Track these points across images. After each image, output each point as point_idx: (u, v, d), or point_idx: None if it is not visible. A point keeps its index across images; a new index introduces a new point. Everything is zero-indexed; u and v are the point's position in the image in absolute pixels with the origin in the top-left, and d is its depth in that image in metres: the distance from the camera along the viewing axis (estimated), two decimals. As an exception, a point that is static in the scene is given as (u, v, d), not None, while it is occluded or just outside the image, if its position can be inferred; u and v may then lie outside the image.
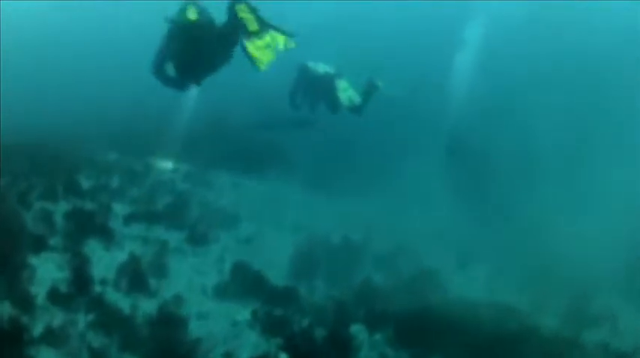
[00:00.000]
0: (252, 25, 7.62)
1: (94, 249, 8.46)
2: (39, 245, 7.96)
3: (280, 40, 7.79)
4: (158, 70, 8.33)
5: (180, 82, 8.53)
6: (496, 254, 11.04)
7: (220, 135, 16.87)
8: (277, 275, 8.88)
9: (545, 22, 21.13)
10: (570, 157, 14.42)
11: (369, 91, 12.25)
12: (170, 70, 8.38)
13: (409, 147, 15.97)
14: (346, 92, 12.06)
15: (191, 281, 8.39)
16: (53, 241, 8.30)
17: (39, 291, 6.85)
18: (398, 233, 11.33)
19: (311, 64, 11.96)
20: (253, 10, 7.74)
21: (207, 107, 16.03)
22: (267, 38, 7.71)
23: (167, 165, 14.38)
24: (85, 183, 11.28)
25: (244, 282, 8.45)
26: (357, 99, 12.10)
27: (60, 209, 9.52)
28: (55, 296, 6.81)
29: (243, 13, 7.63)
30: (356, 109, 12.25)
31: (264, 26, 7.75)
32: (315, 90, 12.04)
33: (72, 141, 14.66)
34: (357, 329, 7.63)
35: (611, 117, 16.04)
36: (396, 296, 8.64)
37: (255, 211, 11.94)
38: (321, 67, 11.94)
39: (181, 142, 15.56)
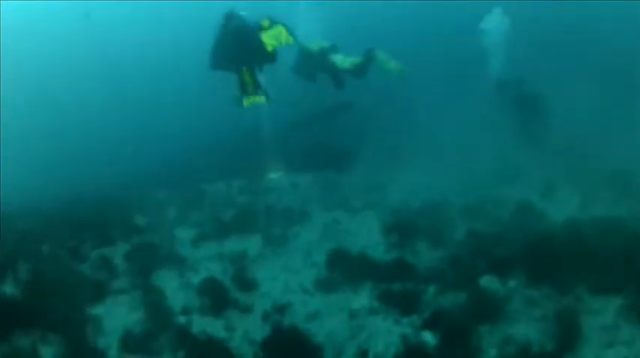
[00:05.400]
0: (265, 24, 10.05)
1: (166, 279, 7.21)
2: (100, 292, 6.74)
3: (283, 34, 10.02)
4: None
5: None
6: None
7: (263, 143, 15.69)
8: (377, 252, 7.82)
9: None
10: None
11: (366, 60, 11.50)
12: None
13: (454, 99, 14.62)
14: (343, 62, 11.66)
15: (286, 283, 7.06)
16: (117, 284, 7.08)
17: (110, 342, 5.64)
18: (472, 186, 10.20)
19: (306, 43, 11.68)
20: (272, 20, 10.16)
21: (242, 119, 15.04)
22: (275, 31, 10.01)
23: (219, 185, 13.15)
24: (142, 221, 10.07)
25: (345, 268, 7.14)
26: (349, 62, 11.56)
27: (119, 252, 8.32)
28: (130, 342, 5.55)
29: (265, 22, 10.09)
30: (357, 73, 11.66)
31: (274, 23, 10.08)
32: (313, 66, 11.91)
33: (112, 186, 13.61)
34: (488, 281, 6.46)
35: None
36: (506, 239, 7.46)
37: (324, 202, 10.72)
38: (316, 44, 11.77)
39: (226, 158, 14.43)
